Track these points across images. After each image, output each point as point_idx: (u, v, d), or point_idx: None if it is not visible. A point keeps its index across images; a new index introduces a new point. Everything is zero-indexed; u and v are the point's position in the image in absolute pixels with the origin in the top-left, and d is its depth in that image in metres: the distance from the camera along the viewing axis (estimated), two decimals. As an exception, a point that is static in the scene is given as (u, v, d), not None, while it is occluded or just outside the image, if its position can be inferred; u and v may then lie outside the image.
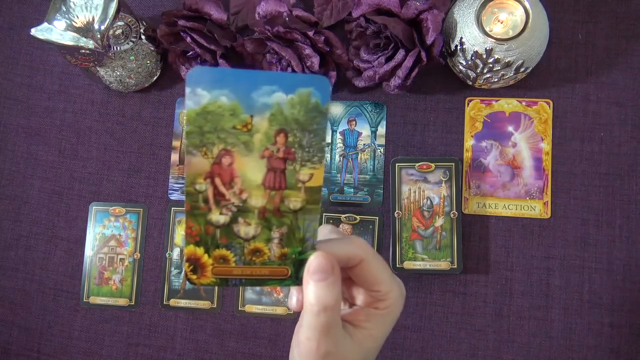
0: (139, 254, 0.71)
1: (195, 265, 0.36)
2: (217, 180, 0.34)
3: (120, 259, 0.71)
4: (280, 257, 0.36)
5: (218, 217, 0.35)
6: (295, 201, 0.36)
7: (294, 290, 0.39)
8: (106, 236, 0.71)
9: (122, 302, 0.70)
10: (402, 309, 0.42)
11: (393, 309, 0.40)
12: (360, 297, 0.41)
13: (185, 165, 0.34)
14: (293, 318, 0.68)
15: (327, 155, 0.70)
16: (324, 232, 0.41)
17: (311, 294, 0.36)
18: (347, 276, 0.40)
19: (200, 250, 0.36)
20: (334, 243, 0.38)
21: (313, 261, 0.36)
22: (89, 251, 0.71)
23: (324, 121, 0.34)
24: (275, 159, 0.35)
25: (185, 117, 0.34)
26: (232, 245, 0.36)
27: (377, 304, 0.40)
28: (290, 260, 0.36)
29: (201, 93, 0.33)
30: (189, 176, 0.34)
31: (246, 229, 0.36)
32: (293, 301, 0.39)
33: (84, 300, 0.71)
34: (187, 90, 0.32)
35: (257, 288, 0.68)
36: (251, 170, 0.34)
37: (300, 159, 0.35)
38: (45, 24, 0.63)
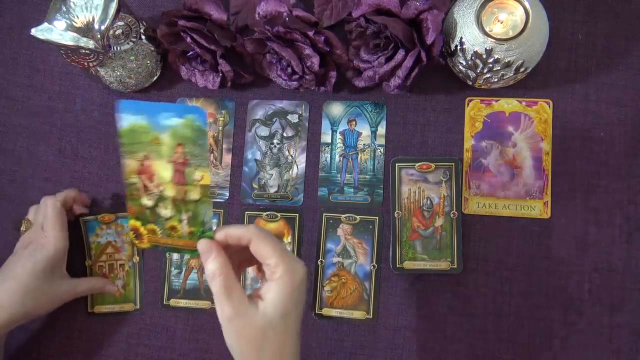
0: (137, 257, 0.71)
1: (136, 233, 0.52)
2: (143, 177, 0.50)
3: (120, 264, 0.71)
4: (189, 233, 0.51)
5: (146, 201, 0.50)
6: (194, 194, 0.50)
7: None
8: (101, 244, 0.71)
9: (127, 307, 0.70)
10: (307, 292, 0.52)
11: (286, 280, 0.49)
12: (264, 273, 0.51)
13: (123, 166, 0.49)
14: (293, 318, 0.68)
15: (326, 157, 0.70)
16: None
17: (205, 269, 0.49)
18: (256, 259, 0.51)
19: (138, 223, 0.51)
20: (230, 227, 0.50)
21: (199, 247, 0.50)
22: (87, 261, 0.71)
23: (205, 138, 0.49)
24: (177, 163, 0.49)
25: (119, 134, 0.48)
26: (158, 222, 0.51)
27: (271, 275, 0.49)
28: (196, 236, 0.51)
29: (127, 117, 0.48)
30: (126, 173, 0.49)
31: (165, 211, 0.51)
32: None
33: (89, 310, 0.71)
34: (120, 115, 0.47)
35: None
36: (163, 170, 0.49)
37: (193, 164, 0.49)
38: (45, 24, 0.63)
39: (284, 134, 0.71)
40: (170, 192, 0.50)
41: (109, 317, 0.70)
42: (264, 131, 0.72)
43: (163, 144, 0.48)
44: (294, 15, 0.65)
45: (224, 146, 0.72)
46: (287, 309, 0.49)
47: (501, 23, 0.61)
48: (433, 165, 0.67)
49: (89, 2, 0.63)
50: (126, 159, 0.49)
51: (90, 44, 0.63)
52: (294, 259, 0.50)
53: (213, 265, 0.48)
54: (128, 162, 0.49)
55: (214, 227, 0.51)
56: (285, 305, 0.49)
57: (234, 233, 0.50)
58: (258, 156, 0.71)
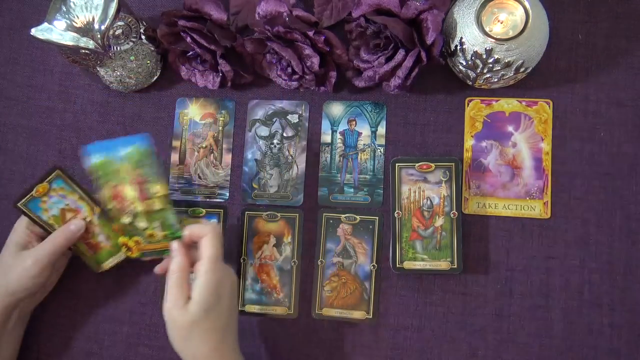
0: (98, 208, 0.66)
1: (126, 246, 0.63)
2: (118, 200, 0.61)
3: (88, 221, 0.66)
4: (164, 237, 0.61)
5: (125, 219, 0.62)
6: (157, 204, 0.61)
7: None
8: (57, 216, 0.66)
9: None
10: (235, 295, 0.61)
11: (210, 276, 0.56)
12: None
13: (100, 194, 0.61)
14: (293, 318, 0.68)
15: (326, 157, 0.70)
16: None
17: (170, 266, 0.58)
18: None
19: (126, 239, 0.62)
20: (194, 226, 0.60)
21: (170, 248, 0.60)
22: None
23: (153, 157, 0.61)
24: (138, 184, 0.61)
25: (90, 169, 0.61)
26: (139, 233, 0.62)
27: (198, 271, 0.57)
28: (169, 238, 0.61)
29: (95, 155, 0.60)
30: (104, 199, 0.61)
31: (141, 223, 0.61)
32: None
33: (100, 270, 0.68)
34: (86, 155, 0.60)
35: (257, 287, 0.69)
36: (130, 191, 0.61)
37: (149, 181, 0.61)
38: (45, 24, 0.63)
39: (284, 134, 0.71)
40: (140, 207, 0.61)
41: (108, 315, 0.70)
42: (264, 131, 0.72)
43: (125, 170, 0.60)
44: (294, 15, 0.65)
45: (224, 146, 0.72)
46: (210, 304, 0.56)
47: (501, 23, 0.61)
48: (433, 165, 0.67)
49: (89, 2, 0.63)
50: (101, 187, 0.61)
51: (90, 44, 0.63)
52: (221, 261, 0.59)
53: (175, 264, 0.58)
54: (104, 191, 0.61)
55: (181, 228, 0.61)
56: (208, 300, 0.56)
57: (195, 230, 0.60)
58: (258, 156, 0.71)
